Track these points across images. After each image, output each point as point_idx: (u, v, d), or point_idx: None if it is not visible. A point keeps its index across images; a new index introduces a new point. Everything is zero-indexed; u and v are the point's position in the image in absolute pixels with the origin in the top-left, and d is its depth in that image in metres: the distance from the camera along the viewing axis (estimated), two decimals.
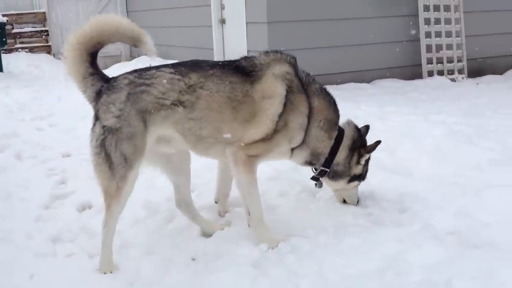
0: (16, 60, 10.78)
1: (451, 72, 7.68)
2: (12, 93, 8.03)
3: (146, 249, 2.86)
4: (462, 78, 7.66)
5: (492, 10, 7.88)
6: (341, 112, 3.08)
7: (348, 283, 2.32)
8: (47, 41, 11.76)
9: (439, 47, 7.63)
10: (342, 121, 3.09)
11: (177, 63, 2.94)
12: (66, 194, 3.88)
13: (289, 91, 2.85)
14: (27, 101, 7.50)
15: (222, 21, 8.00)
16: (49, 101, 7.48)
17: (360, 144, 3.09)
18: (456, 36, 7.70)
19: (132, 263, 2.74)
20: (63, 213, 3.51)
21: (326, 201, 3.33)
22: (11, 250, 2.96)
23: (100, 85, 2.78)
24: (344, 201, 3.26)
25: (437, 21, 7.59)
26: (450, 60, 7.69)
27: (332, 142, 2.99)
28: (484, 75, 7.80)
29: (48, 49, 11.69)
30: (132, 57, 10.58)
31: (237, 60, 2.98)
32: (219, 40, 8.04)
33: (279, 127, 2.83)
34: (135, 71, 2.84)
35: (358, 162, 3.07)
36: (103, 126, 2.70)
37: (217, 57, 7.83)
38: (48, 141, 5.27)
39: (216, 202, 3.39)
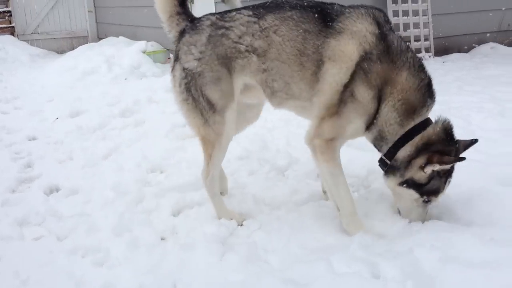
0: None
1: (418, 50, 7.79)
2: None
3: (115, 230, 2.84)
4: (429, 56, 7.79)
5: None
6: None
7: (315, 257, 2.37)
8: (10, 22, 11.37)
9: (406, 26, 7.71)
10: (436, 116, 2.55)
11: (261, 3, 2.66)
12: (33, 177, 3.82)
13: (365, 58, 2.39)
14: None
15: (191, 1, 7.88)
16: (13, 84, 7.30)
17: (439, 150, 2.41)
18: (423, 15, 7.79)
19: (102, 244, 2.74)
20: (30, 197, 3.46)
21: (294, 180, 3.37)
22: None
23: (184, 25, 2.70)
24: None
25: (404, 0, 7.66)
26: (417, 39, 7.79)
27: (404, 131, 2.46)
28: (450, 53, 7.95)
29: (11, 30, 11.29)
30: (99, 37, 10.34)
31: (324, 4, 2.57)
32: None
33: (346, 99, 2.43)
34: (219, 13, 2.70)
35: (422, 167, 2.42)
36: (184, 69, 2.62)
37: None
38: (14, 125, 5.17)
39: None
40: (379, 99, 2.44)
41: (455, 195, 2.77)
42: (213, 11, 7.02)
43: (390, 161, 2.53)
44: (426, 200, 2.51)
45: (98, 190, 3.44)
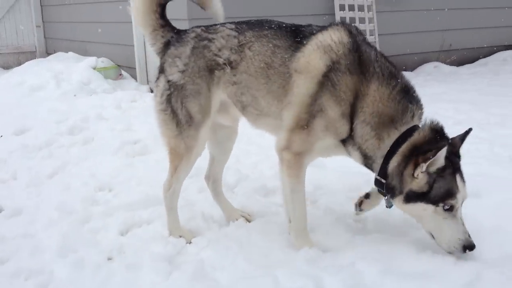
0: None
1: None
2: None
3: (59, 251, 2.78)
4: None
5: (402, 10, 8.35)
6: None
7: (261, 272, 2.41)
8: None
9: None
10: (425, 119, 2.40)
11: (246, 21, 2.72)
12: None
13: (332, 68, 2.33)
14: None
15: None
16: None
17: (425, 150, 2.23)
18: (370, 35, 8.08)
19: (46, 267, 2.67)
20: None
21: (243, 196, 3.41)
22: None
23: (169, 37, 2.71)
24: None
25: (352, 20, 7.92)
26: None
27: (390, 143, 2.33)
28: None
29: None
30: (48, 53, 10.12)
31: (301, 25, 2.60)
32: (140, 36, 7.91)
33: (314, 113, 2.36)
34: (206, 25, 2.72)
35: (413, 175, 2.26)
36: (168, 81, 2.63)
37: (137, 51, 7.66)
38: None
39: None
40: (352, 116, 2.35)
41: (394, 208, 2.89)
42: None
43: (385, 179, 2.35)
44: (446, 207, 2.23)
45: (42, 210, 3.36)
